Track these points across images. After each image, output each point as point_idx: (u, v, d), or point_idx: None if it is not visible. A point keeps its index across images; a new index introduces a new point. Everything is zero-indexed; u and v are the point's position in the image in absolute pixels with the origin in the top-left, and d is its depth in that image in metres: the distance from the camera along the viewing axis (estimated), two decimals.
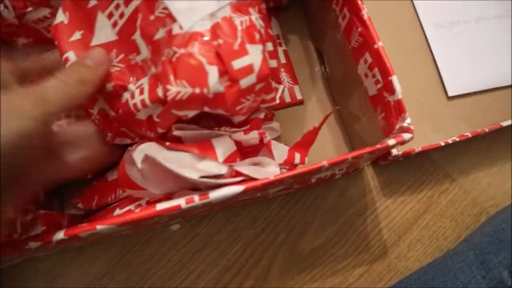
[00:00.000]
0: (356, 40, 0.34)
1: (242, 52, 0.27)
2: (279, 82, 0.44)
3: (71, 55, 0.30)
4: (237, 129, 0.32)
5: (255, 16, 0.29)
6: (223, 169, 0.29)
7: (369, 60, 0.33)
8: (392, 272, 0.42)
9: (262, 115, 0.33)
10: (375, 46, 0.32)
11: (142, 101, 0.28)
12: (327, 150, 0.44)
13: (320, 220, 0.44)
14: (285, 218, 0.43)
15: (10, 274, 0.41)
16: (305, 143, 0.33)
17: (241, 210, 0.43)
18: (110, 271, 0.42)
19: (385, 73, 0.31)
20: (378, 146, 0.29)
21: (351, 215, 0.44)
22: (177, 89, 0.27)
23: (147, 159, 0.28)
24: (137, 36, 0.29)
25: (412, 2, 0.48)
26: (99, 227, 0.28)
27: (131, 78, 0.30)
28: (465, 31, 0.47)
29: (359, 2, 0.32)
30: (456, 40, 0.47)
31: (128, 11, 0.29)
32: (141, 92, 0.28)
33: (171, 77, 0.27)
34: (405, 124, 0.30)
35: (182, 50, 0.27)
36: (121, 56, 0.30)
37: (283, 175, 0.29)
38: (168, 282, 0.42)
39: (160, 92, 0.27)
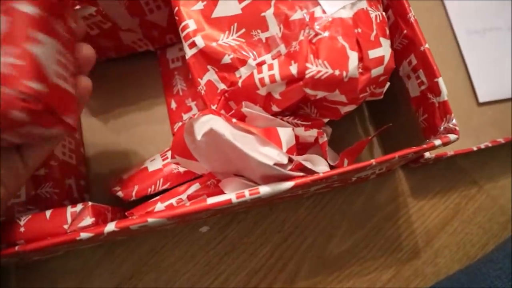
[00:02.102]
0: (400, 42, 0.35)
1: (377, 43, 0.30)
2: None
3: (191, 23, 0.31)
4: (299, 121, 0.33)
5: (383, 13, 0.32)
6: (285, 159, 0.29)
7: (414, 61, 0.34)
8: (420, 278, 0.43)
9: (326, 119, 0.35)
10: (422, 48, 0.32)
11: (272, 76, 0.29)
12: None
13: (348, 224, 0.44)
14: (313, 222, 0.44)
15: (39, 272, 0.41)
16: (355, 151, 0.33)
17: (269, 213, 0.44)
18: (138, 271, 0.41)
19: (431, 75, 0.32)
20: (425, 146, 0.30)
21: (379, 220, 0.44)
22: (317, 68, 0.28)
23: (211, 133, 0.27)
24: (268, 14, 0.30)
25: (445, 8, 0.49)
26: (150, 219, 0.28)
27: (251, 54, 0.31)
28: (498, 38, 0.48)
29: (406, 4, 0.33)
30: (488, 47, 0.48)
31: None
32: (270, 68, 0.29)
33: (311, 57, 0.28)
34: (450, 125, 0.31)
35: (326, 33, 0.29)
36: (243, 30, 0.31)
37: (332, 172, 0.29)
38: (197, 284, 0.42)
39: (294, 69, 0.28)
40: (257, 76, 0.30)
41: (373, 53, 0.30)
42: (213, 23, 0.32)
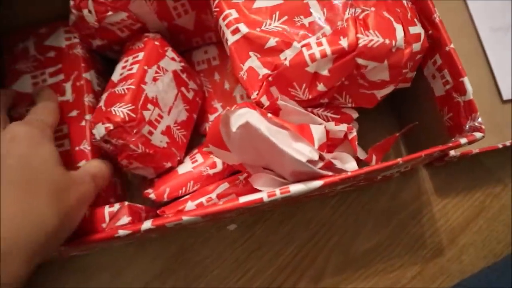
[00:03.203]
0: None
1: (413, 22, 0.33)
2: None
3: (233, 12, 0.33)
4: (329, 113, 0.34)
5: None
6: (316, 156, 0.30)
7: (439, 61, 0.34)
8: (445, 275, 0.43)
9: (355, 115, 0.36)
10: (447, 48, 0.33)
11: (322, 51, 0.31)
12: None
13: (373, 222, 0.44)
14: (339, 220, 0.44)
15: (73, 268, 0.42)
16: (383, 148, 0.34)
17: (296, 211, 0.44)
18: (169, 268, 0.43)
19: (457, 74, 0.33)
20: (451, 144, 0.30)
21: (404, 218, 0.45)
22: (369, 38, 0.30)
23: (246, 126, 0.28)
24: (311, 0, 0.33)
25: (467, 6, 0.49)
26: (185, 217, 0.29)
27: (296, 37, 0.32)
28: None
29: (431, 5, 0.34)
30: (510, 44, 0.48)
31: None
32: (319, 45, 0.31)
33: (361, 29, 0.30)
34: (476, 124, 0.31)
35: (372, 9, 0.32)
36: (285, 18, 0.33)
37: (360, 171, 0.30)
38: (225, 280, 0.43)
39: (344, 43, 0.30)
40: (306, 53, 0.31)
41: (412, 29, 0.33)
42: (255, 13, 0.33)
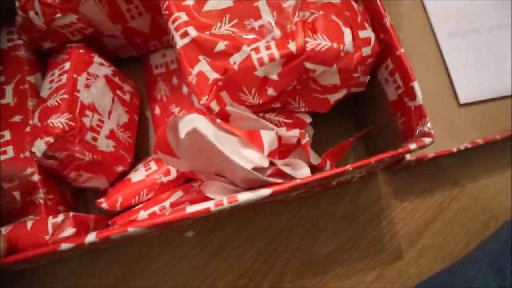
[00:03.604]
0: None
1: (363, 26, 0.33)
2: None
3: (182, 15, 0.32)
4: (281, 118, 0.34)
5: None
6: (266, 163, 0.30)
7: (391, 66, 0.34)
8: (404, 278, 0.43)
9: (308, 119, 0.35)
10: (398, 53, 0.33)
11: (270, 55, 0.30)
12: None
13: (333, 226, 0.44)
14: (298, 224, 0.44)
15: (25, 281, 0.41)
16: (337, 153, 0.34)
17: (254, 216, 0.44)
18: (125, 278, 0.42)
19: (407, 79, 0.33)
20: (400, 150, 0.30)
21: (363, 221, 0.45)
22: (317, 41, 0.30)
23: (194, 132, 0.28)
24: (261, 3, 0.32)
25: (425, 10, 0.50)
26: (130, 229, 0.28)
27: (245, 40, 0.31)
28: (478, 40, 0.49)
29: (381, 9, 0.34)
30: (469, 49, 0.48)
31: None
32: (268, 48, 0.30)
33: (309, 33, 0.30)
34: (425, 129, 0.31)
35: (320, 12, 0.31)
36: (235, 21, 0.32)
37: (309, 178, 0.30)
38: None
39: (292, 46, 0.30)
40: (255, 57, 0.30)
41: (362, 34, 0.32)
42: (204, 16, 0.32)
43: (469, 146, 0.41)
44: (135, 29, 0.42)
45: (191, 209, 0.29)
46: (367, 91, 0.37)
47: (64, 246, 0.28)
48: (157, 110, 0.45)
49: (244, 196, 0.29)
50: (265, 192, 0.29)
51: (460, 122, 0.46)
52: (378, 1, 0.34)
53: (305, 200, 0.45)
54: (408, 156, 0.40)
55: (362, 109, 0.44)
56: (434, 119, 0.44)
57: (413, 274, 0.43)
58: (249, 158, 0.29)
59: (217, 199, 0.31)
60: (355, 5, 0.34)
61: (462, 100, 0.46)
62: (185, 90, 0.44)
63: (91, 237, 0.28)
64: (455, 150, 0.41)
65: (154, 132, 0.45)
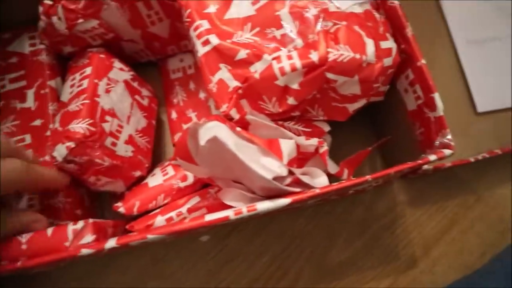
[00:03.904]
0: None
1: (385, 37, 0.33)
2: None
3: (204, 23, 0.32)
4: (300, 126, 0.34)
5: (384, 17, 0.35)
6: (285, 172, 0.30)
7: (411, 76, 0.34)
8: (418, 286, 0.43)
9: (327, 128, 0.35)
10: (418, 64, 0.33)
11: (292, 65, 0.30)
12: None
13: (347, 234, 0.44)
14: (313, 232, 0.44)
15: (42, 280, 0.41)
16: (355, 162, 0.34)
17: (269, 223, 0.44)
18: (141, 280, 0.42)
19: (427, 90, 0.33)
20: (420, 161, 0.30)
21: (378, 229, 0.44)
22: (339, 52, 0.30)
23: (214, 140, 0.28)
24: (283, 12, 0.32)
25: (444, 17, 0.49)
26: (150, 236, 0.28)
27: (267, 49, 0.31)
28: (497, 48, 0.48)
29: (403, 20, 0.34)
30: (487, 57, 0.48)
31: None
32: (290, 58, 0.30)
33: (332, 43, 0.30)
34: (445, 140, 0.31)
35: (344, 22, 0.31)
36: (257, 29, 0.32)
37: (328, 188, 0.30)
38: None
39: (314, 57, 0.30)
40: (276, 66, 0.31)
41: (383, 44, 0.32)
42: (226, 24, 0.33)
43: (487, 155, 0.41)
44: (154, 34, 0.42)
45: (210, 217, 0.29)
46: (385, 100, 0.37)
47: (85, 251, 0.29)
48: (174, 115, 0.45)
49: (264, 205, 0.29)
50: (285, 201, 0.29)
51: (478, 131, 0.45)
52: (400, 11, 0.34)
53: (320, 207, 0.45)
54: (425, 166, 0.40)
55: (380, 118, 0.44)
56: (451, 127, 0.44)
57: (427, 283, 0.43)
58: (268, 167, 0.30)
59: (235, 206, 0.31)
60: (377, 15, 0.34)
61: (480, 108, 0.46)
62: (202, 95, 0.45)
63: (111, 243, 0.29)
64: (472, 160, 0.41)
65: (171, 136, 0.45)
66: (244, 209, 0.29)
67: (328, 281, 0.43)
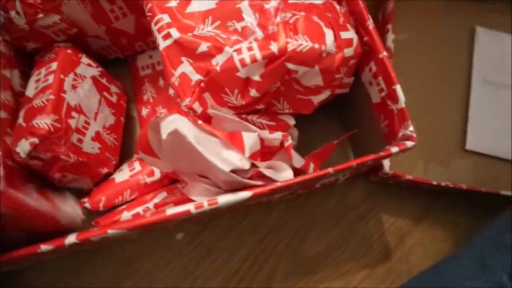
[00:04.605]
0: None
1: (345, 28, 0.33)
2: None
3: (165, 17, 0.32)
4: (264, 120, 0.34)
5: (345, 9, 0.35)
6: (247, 164, 0.30)
7: (374, 68, 0.34)
8: (394, 275, 0.43)
9: (292, 122, 0.35)
10: (380, 56, 0.33)
11: (252, 56, 0.30)
12: (331, 156, 0.44)
13: (322, 225, 0.44)
14: (287, 224, 0.44)
15: (14, 283, 0.41)
16: (321, 156, 0.34)
17: (244, 216, 0.44)
18: (116, 279, 0.42)
19: (390, 82, 0.32)
20: (382, 153, 0.30)
21: (352, 219, 0.44)
22: (298, 42, 0.30)
23: (175, 133, 0.28)
24: (244, 5, 0.32)
25: (472, 51, 0.49)
26: (110, 231, 0.28)
27: (228, 42, 0.31)
28: (509, 97, 0.48)
29: (365, 12, 0.33)
30: (497, 101, 0.47)
31: None
32: (250, 49, 0.30)
33: (291, 34, 0.30)
34: (408, 132, 0.31)
35: (302, 13, 0.31)
36: (218, 22, 0.32)
37: (290, 181, 0.29)
38: None
39: (274, 47, 0.30)
40: (237, 58, 0.30)
41: (344, 34, 0.32)
42: (187, 17, 0.32)
43: (451, 185, 0.40)
44: (119, 29, 0.42)
45: (171, 211, 0.29)
46: (351, 93, 0.37)
47: (44, 247, 0.28)
48: (144, 112, 0.45)
49: (225, 199, 0.29)
50: (245, 194, 0.29)
51: (457, 166, 0.45)
52: (361, 4, 0.34)
53: (293, 200, 0.44)
54: (386, 168, 0.39)
55: (347, 112, 0.43)
56: (436, 154, 0.45)
57: (403, 271, 0.43)
58: (229, 160, 0.29)
59: (200, 201, 0.31)
60: (337, 6, 0.34)
61: (469, 146, 0.46)
62: (171, 91, 0.44)
63: (71, 239, 0.28)
64: (434, 183, 0.40)
65: None
66: (205, 203, 0.29)
67: (304, 274, 0.43)
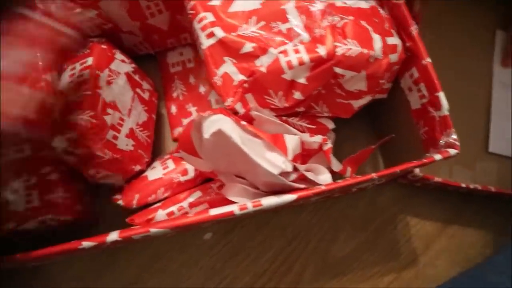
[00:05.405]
0: None
1: (390, 33, 0.33)
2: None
3: (208, 15, 0.32)
4: (304, 123, 0.34)
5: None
6: (289, 167, 0.29)
7: (416, 74, 0.34)
8: (421, 280, 0.43)
9: (331, 125, 0.35)
10: (424, 62, 0.33)
11: (300, 58, 0.30)
12: None
13: (350, 228, 0.44)
14: (316, 226, 0.44)
15: (42, 276, 0.41)
16: (358, 160, 0.34)
17: (272, 218, 0.44)
18: (142, 276, 0.42)
19: (433, 89, 0.32)
20: (425, 160, 0.30)
21: (380, 223, 0.44)
22: (347, 46, 0.30)
23: (219, 134, 0.28)
24: (289, 6, 0.32)
25: (493, 54, 0.49)
26: (153, 230, 0.28)
27: (272, 43, 0.31)
28: None
29: (408, 18, 0.33)
30: None
31: None
32: (297, 52, 0.30)
33: (339, 38, 0.30)
34: (450, 140, 0.31)
35: (351, 17, 0.31)
36: (262, 23, 0.32)
37: (334, 185, 0.29)
38: None
39: (322, 51, 0.30)
40: (283, 59, 0.30)
41: (389, 40, 0.32)
42: (231, 17, 0.32)
43: (479, 187, 0.40)
44: (153, 26, 0.41)
45: (214, 211, 0.28)
46: (388, 98, 0.37)
47: (86, 243, 0.28)
48: (173, 109, 0.44)
49: (269, 201, 0.28)
50: (290, 197, 0.29)
51: (482, 168, 0.45)
52: (404, 9, 0.34)
53: (322, 202, 0.44)
54: (416, 170, 0.39)
55: (381, 116, 0.43)
56: (459, 156, 0.44)
57: (430, 276, 0.43)
58: (273, 162, 0.29)
59: (237, 201, 0.31)
60: (381, 11, 0.34)
61: (491, 149, 0.46)
62: (202, 89, 0.44)
63: (113, 236, 0.28)
64: (463, 185, 0.40)
65: (170, 131, 0.45)
66: (249, 204, 0.28)
67: (332, 276, 0.43)
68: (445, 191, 0.44)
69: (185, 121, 0.43)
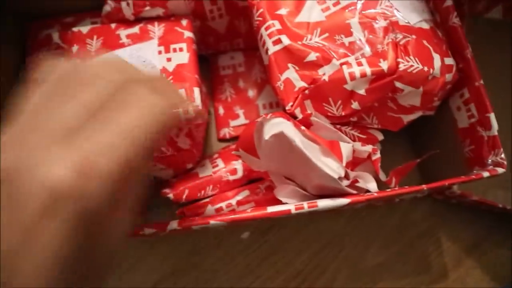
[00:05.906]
0: None
1: (447, 54, 0.34)
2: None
3: (276, 23, 0.34)
4: (356, 132, 0.35)
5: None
6: (342, 172, 0.31)
7: (466, 95, 0.35)
8: None
9: (380, 137, 0.37)
10: (477, 84, 0.34)
11: (362, 70, 0.32)
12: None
13: (384, 238, 0.45)
14: (351, 234, 0.45)
15: None
16: (403, 172, 0.35)
17: (310, 222, 0.45)
18: (179, 269, 0.43)
19: (484, 110, 0.34)
20: (473, 176, 0.31)
21: (413, 236, 0.45)
22: (410, 63, 0.31)
23: (280, 136, 0.29)
24: (353, 21, 0.33)
25: None
26: (212, 222, 0.30)
27: (335, 54, 0.33)
28: None
29: (464, 40, 0.35)
30: None
31: (345, 2, 0.34)
32: (360, 64, 0.32)
33: (402, 54, 0.32)
34: (499, 159, 0.32)
35: (413, 36, 0.33)
36: (326, 35, 0.33)
37: (385, 193, 0.31)
38: (235, 285, 0.43)
39: (384, 65, 0.31)
40: (346, 70, 0.32)
41: (447, 61, 0.34)
42: (296, 26, 0.34)
43: None
44: (212, 28, 0.43)
45: (272, 209, 0.30)
46: (434, 116, 0.38)
47: (147, 231, 0.30)
48: (221, 110, 0.46)
49: (324, 203, 0.30)
50: (344, 201, 0.30)
51: None
52: (460, 31, 0.35)
53: (358, 211, 0.46)
54: (455, 187, 0.40)
55: (421, 132, 0.44)
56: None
57: None
58: (330, 166, 0.31)
59: (287, 202, 0.33)
60: (439, 33, 0.36)
61: None
62: (251, 93, 0.46)
63: (173, 225, 0.30)
64: (500, 206, 0.40)
65: (216, 131, 0.46)
66: (305, 205, 0.30)
67: (363, 282, 0.44)
68: (478, 210, 0.45)
69: (232, 123, 0.45)
